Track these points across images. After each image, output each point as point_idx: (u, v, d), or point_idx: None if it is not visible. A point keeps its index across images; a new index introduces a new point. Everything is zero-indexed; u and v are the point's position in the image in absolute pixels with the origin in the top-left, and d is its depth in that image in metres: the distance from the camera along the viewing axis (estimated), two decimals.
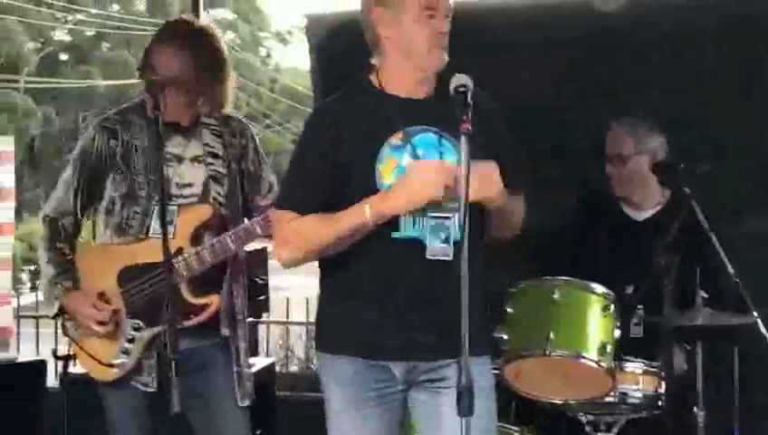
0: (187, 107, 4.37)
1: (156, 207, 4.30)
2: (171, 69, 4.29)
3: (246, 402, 4.44)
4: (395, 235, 3.64)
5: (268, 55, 43.26)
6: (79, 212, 4.45)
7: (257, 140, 4.63)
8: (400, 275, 3.66)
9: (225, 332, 4.41)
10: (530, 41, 5.67)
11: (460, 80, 3.46)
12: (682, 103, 5.57)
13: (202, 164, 4.42)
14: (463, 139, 3.35)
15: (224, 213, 4.40)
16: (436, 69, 3.70)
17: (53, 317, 4.45)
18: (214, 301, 4.31)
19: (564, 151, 5.78)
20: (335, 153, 3.65)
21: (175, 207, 4.30)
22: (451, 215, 3.64)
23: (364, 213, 3.55)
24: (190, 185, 4.40)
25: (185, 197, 4.37)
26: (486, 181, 3.54)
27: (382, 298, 3.66)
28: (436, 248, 3.65)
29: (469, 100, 3.41)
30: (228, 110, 4.54)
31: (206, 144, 4.44)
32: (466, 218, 3.29)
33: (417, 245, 3.65)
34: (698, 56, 5.54)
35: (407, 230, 3.65)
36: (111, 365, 4.32)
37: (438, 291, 3.61)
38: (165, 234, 3.94)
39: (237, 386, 4.41)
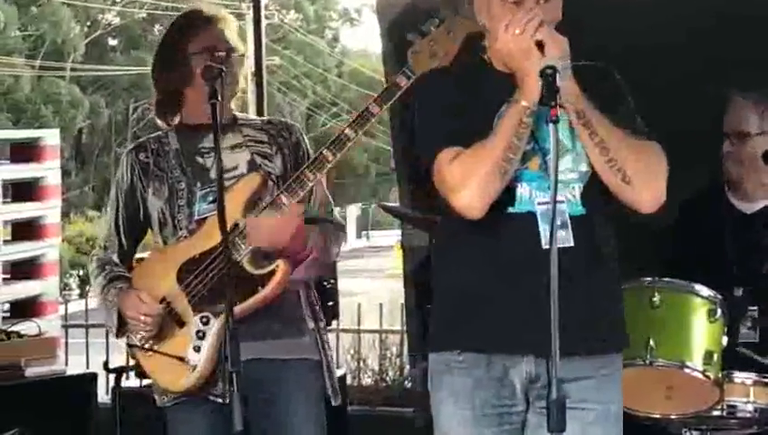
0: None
1: (199, 192, 4.39)
2: None
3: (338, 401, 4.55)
4: (511, 210, 3.64)
5: (335, 38, 43.45)
6: (125, 244, 4.57)
7: (307, 143, 4.66)
8: (518, 255, 3.63)
9: (311, 324, 4.47)
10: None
11: (547, 62, 3.43)
12: None
13: (243, 148, 4.48)
14: (551, 127, 3.34)
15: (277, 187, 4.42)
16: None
17: (117, 336, 4.52)
18: (280, 266, 4.30)
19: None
20: (459, 108, 3.66)
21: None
22: (563, 198, 3.61)
23: (518, 103, 3.55)
24: (234, 168, 4.43)
25: (228, 180, 4.37)
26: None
27: (503, 281, 3.63)
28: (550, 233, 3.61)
29: (558, 83, 3.40)
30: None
31: (247, 135, 4.51)
32: (555, 206, 3.28)
33: (534, 219, 3.64)
34: None
35: (522, 204, 3.65)
36: (183, 360, 4.33)
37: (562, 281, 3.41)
38: (221, 208, 3.94)
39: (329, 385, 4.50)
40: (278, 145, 4.53)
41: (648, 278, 4.56)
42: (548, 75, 3.42)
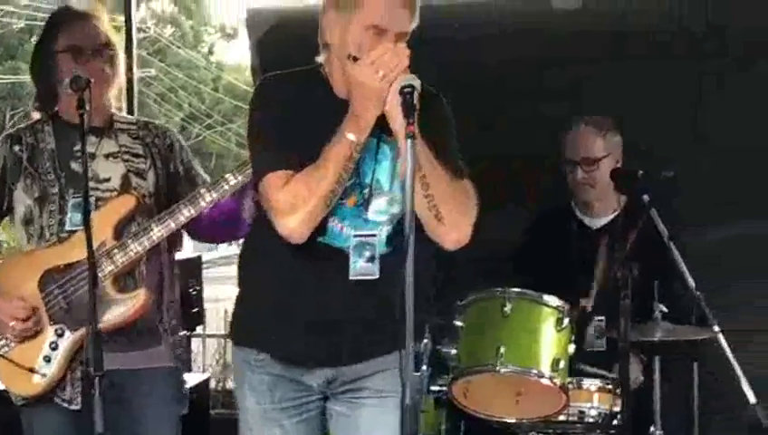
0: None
1: (71, 201, 4.28)
2: None
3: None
4: (320, 239, 3.67)
5: (210, 52, 43.14)
6: None
7: (183, 142, 4.60)
8: (323, 284, 3.69)
9: (168, 332, 4.42)
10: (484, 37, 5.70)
11: (407, 80, 3.43)
12: (634, 104, 5.62)
13: (119, 160, 4.39)
14: (408, 142, 3.34)
15: (150, 205, 4.36)
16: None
17: None
18: (141, 293, 4.25)
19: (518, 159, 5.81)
20: (296, 123, 3.64)
21: (92, 200, 4.15)
22: (376, 232, 3.69)
23: (346, 138, 3.52)
24: (107, 180, 4.35)
25: (101, 191, 4.31)
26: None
27: (305, 303, 3.70)
28: (362, 267, 3.69)
29: (415, 101, 3.41)
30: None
31: (123, 145, 4.43)
32: (412, 223, 3.24)
33: (342, 254, 3.69)
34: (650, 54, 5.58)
35: (332, 237, 3.68)
36: (32, 370, 4.25)
37: (360, 311, 3.68)
38: (87, 224, 3.86)
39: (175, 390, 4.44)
40: (152, 157, 4.44)
41: (500, 288, 4.58)
42: (406, 93, 3.43)
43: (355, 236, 3.68)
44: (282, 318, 3.75)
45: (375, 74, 3.46)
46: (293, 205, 3.56)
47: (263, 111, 3.74)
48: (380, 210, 3.70)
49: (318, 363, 3.77)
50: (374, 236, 3.69)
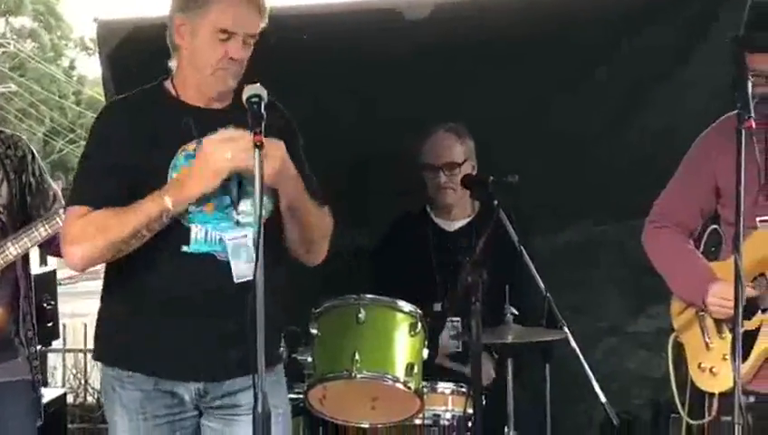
0: None
1: None
2: None
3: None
4: (185, 249, 3.62)
5: (72, 66, 42.53)
6: None
7: (35, 152, 4.50)
8: (193, 293, 3.63)
9: (23, 345, 4.34)
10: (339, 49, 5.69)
11: (253, 90, 3.43)
12: (486, 111, 5.66)
13: None
14: (255, 152, 3.33)
15: (4, 221, 4.28)
16: (215, 93, 3.69)
17: None
18: None
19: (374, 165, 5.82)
20: (127, 157, 3.59)
21: None
22: (247, 233, 3.64)
23: (163, 200, 3.51)
24: None
25: None
26: (274, 156, 3.50)
27: (174, 315, 3.63)
28: (242, 268, 3.64)
29: (262, 111, 3.39)
30: None
31: None
32: (261, 230, 3.28)
33: (211, 259, 3.64)
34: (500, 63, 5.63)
35: (197, 245, 3.63)
36: None
37: (237, 309, 3.54)
38: None
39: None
40: (4, 169, 4.34)
41: (354, 296, 4.57)
42: (253, 103, 3.41)
43: (229, 239, 3.64)
44: (151, 331, 3.66)
45: (224, 154, 3.49)
46: (79, 238, 3.57)
47: (91, 140, 3.74)
48: (249, 211, 3.64)
49: (191, 377, 3.69)
50: (245, 236, 3.64)
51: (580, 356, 4.64)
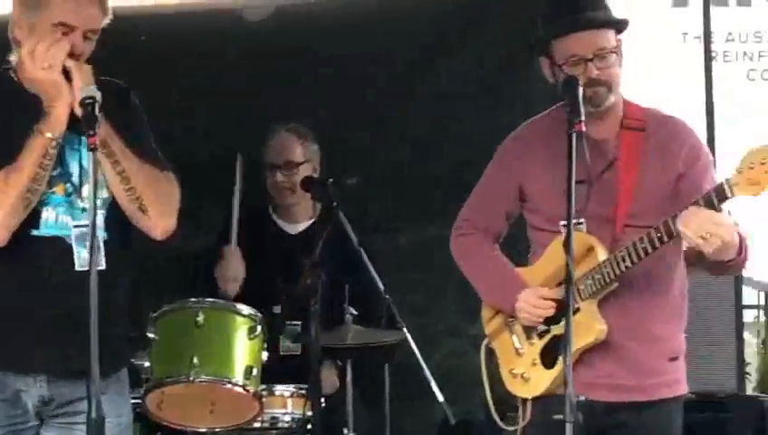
0: None
1: None
2: None
3: None
4: (34, 232, 3.55)
5: None
6: None
7: None
8: (43, 281, 3.55)
9: None
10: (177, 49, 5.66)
11: (87, 92, 3.39)
12: (327, 113, 5.69)
13: None
14: (90, 154, 3.31)
15: None
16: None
17: None
18: None
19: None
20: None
21: None
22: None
23: (39, 132, 3.45)
24: None
25: None
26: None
27: (23, 306, 3.54)
28: (85, 256, 3.51)
29: (96, 113, 3.35)
30: None
31: None
32: (95, 230, 3.26)
33: (59, 243, 3.56)
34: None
35: (47, 228, 3.56)
36: None
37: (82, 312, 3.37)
38: None
39: None
40: None
41: (192, 299, 4.55)
42: (87, 105, 3.37)
43: (75, 226, 3.56)
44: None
45: (38, 67, 3.45)
46: None
47: None
48: (88, 196, 3.51)
49: (40, 369, 3.55)
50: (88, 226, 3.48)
51: (419, 357, 4.69)
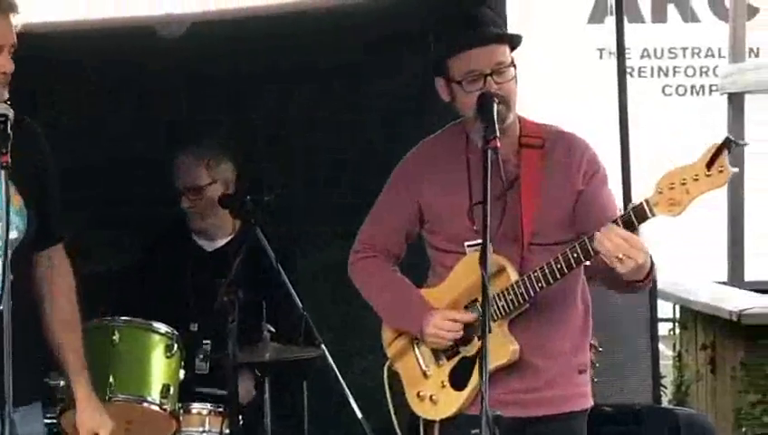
0: None
1: None
2: None
3: None
4: None
5: None
6: None
7: None
8: None
9: None
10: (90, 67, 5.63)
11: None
12: (249, 130, 5.68)
13: None
14: (2, 173, 3.29)
15: None
16: None
17: None
18: None
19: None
20: None
21: None
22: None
23: None
24: None
25: None
26: None
27: None
28: None
29: (8, 131, 3.32)
30: None
31: None
32: (7, 260, 3.29)
33: None
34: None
35: None
36: None
37: None
38: None
39: None
40: None
41: (109, 317, 4.52)
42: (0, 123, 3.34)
43: None
44: None
45: None
46: None
47: None
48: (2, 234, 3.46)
49: None
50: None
51: (337, 373, 4.69)
